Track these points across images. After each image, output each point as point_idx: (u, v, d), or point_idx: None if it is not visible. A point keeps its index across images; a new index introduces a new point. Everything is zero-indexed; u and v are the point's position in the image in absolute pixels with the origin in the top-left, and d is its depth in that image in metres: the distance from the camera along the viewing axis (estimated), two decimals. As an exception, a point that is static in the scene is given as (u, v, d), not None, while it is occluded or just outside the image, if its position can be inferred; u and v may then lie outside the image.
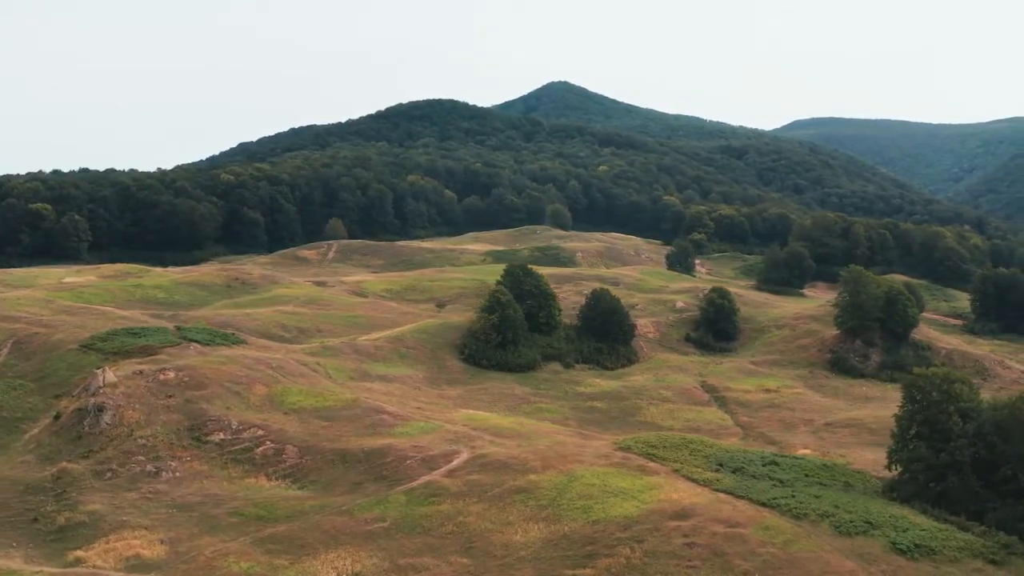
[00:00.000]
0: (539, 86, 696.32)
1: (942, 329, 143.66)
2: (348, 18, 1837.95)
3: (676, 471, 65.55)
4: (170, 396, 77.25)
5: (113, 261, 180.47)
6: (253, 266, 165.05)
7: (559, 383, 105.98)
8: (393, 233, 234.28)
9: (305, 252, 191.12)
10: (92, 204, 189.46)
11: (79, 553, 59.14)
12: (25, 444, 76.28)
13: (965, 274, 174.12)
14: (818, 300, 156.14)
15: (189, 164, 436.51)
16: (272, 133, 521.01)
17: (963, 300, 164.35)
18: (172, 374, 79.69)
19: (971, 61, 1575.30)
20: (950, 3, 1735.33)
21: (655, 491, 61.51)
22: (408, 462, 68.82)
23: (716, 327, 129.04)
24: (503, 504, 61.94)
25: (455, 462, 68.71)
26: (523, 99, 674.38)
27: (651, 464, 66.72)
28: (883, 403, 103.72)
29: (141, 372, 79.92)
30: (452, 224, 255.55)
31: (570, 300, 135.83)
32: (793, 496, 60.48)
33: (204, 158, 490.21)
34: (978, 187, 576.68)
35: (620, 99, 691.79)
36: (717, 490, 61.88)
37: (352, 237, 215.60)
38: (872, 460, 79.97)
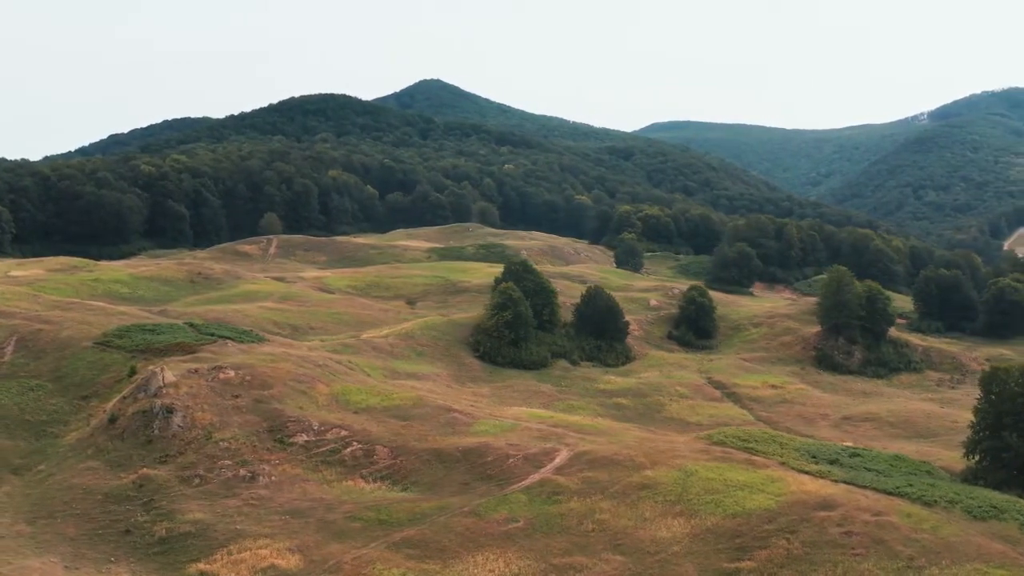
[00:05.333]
0: (412, 83, 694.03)
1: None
2: (207, 13, 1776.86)
3: (783, 464, 66.85)
4: (237, 396, 73.23)
5: (36, 255, 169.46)
6: (209, 261, 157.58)
7: (576, 380, 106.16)
8: (318, 228, 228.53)
9: (245, 247, 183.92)
10: (13, 195, 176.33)
11: (201, 566, 55.52)
12: (77, 449, 70.98)
13: (894, 275, 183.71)
14: (776, 299, 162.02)
15: (58, 155, 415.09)
16: (144, 125, 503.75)
17: (897, 300, 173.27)
18: (232, 373, 75.51)
19: (820, 71, 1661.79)
20: (798, 14, 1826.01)
21: (779, 484, 62.51)
22: (511, 461, 67.55)
23: (697, 325, 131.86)
24: (631, 501, 61.64)
25: (558, 460, 67.89)
26: (396, 96, 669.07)
27: (756, 458, 67.71)
28: (884, 398, 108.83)
29: (196, 371, 75.40)
30: (375, 220, 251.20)
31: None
32: (910, 485, 62.73)
33: (73, 149, 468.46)
34: (841, 191, 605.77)
35: (492, 98, 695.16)
36: (837, 481, 63.46)
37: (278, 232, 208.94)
38: (915, 451, 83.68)
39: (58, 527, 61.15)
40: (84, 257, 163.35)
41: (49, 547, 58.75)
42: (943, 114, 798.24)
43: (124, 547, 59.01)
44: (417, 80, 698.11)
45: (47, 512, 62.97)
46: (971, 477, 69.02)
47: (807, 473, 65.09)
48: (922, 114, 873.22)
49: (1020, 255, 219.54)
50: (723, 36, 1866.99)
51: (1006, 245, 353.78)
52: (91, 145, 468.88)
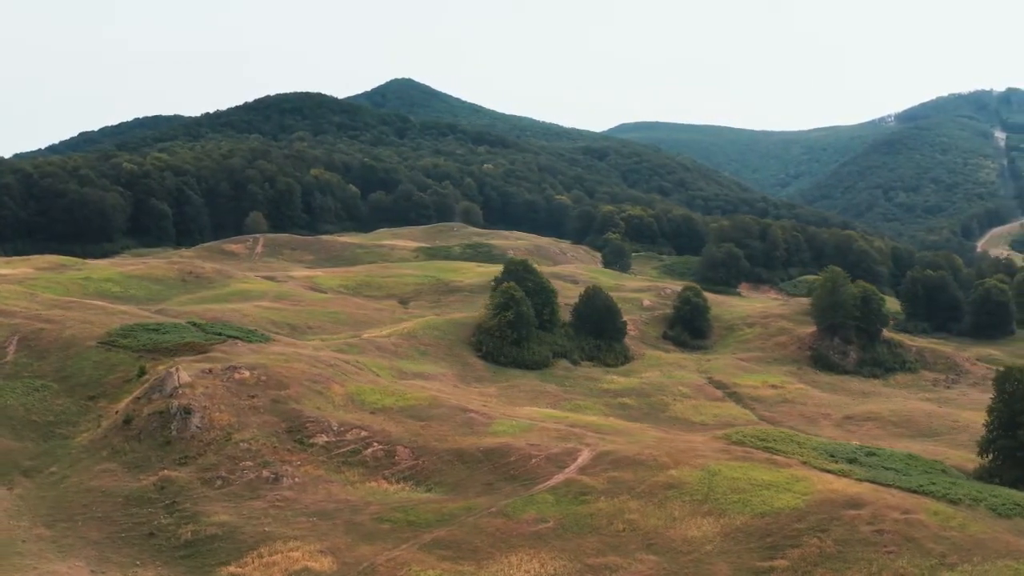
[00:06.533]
0: (383, 82, 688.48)
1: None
2: (172, 12, 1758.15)
3: (805, 463, 67.32)
4: (253, 396, 72.49)
5: (19, 253, 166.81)
6: (198, 260, 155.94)
7: (580, 380, 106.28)
8: (302, 227, 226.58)
9: (231, 246, 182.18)
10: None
11: (232, 569, 54.98)
12: (90, 451, 69.94)
13: (878, 276, 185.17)
14: (764, 299, 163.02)
15: (28, 153, 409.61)
16: (115, 123, 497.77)
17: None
18: (247, 373, 74.72)
19: (786, 73, 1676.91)
20: (763, 16, 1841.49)
21: (804, 483, 62.91)
22: (534, 461, 67.48)
23: (692, 325, 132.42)
24: (658, 500, 61.78)
25: (580, 460, 67.90)
26: (368, 95, 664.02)
27: (777, 457, 68.15)
28: (883, 398, 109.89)
29: (211, 371, 74.52)
30: (357, 219, 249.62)
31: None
32: (933, 484, 63.43)
33: (44, 146, 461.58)
34: (811, 192, 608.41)
35: (463, 97, 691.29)
36: (860, 480, 64.00)
37: (263, 231, 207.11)
38: (922, 451, 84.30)
39: (79, 530, 60.20)
40: (68, 255, 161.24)
41: (72, 551, 57.85)
42: (910, 116, 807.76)
43: (149, 550, 58.23)
44: (388, 79, 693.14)
45: (66, 515, 61.98)
46: (986, 476, 69.89)
47: (829, 472, 65.60)
48: (889, 116, 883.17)
49: (1001, 256, 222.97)
50: (690, 37, 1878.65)
51: (979, 246, 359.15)
52: (62, 143, 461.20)
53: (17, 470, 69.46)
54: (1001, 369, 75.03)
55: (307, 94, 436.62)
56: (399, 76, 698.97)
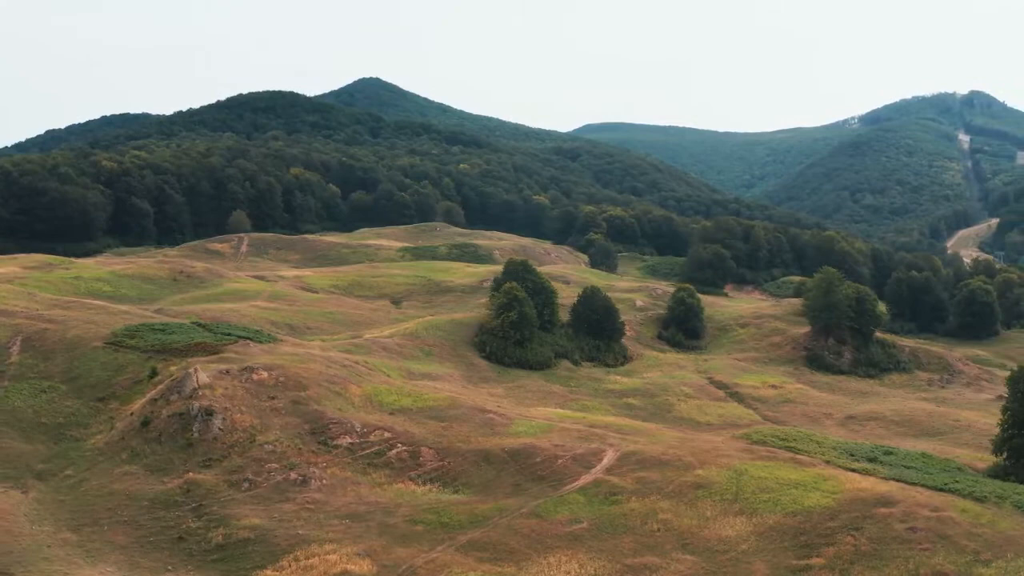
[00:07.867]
0: (350, 81, 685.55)
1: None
2: (136, 8, 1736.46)
3: (828, 462, 67.94)
4: (273, 398, 71.66)
5: (0, 252, 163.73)
6: (185, 259, 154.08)
7: (584, 381, 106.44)
8: (283, 227, 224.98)
9: (216, 245, 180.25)
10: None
11: (268, 573, 54.17)
12: (107, 453, 68.73)
13: (859, 276, 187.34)
14: (752, 300, 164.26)
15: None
16: (82, 120, 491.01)
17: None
18: (265, 374, 73.84)
19: (749, 75, 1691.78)
20: (721, 18, 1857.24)
21: (831, 482, 63.41)
22: (560, 461, 67.41)
23: (686, 325, 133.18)
24: (689, 500, 61.97)
25: (606, 460, 67.96)
26: (336, 94, 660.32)
27: (800, 457, 68.67)
28: (882, 398, 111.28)
29: (228, 372, 73.59)
30: (337, 219, 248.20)
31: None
32: (956, 482, 64.27)
33: (10, 144, 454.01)
34: (777, 194, 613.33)
35: (431, 97, 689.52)
36: (886, 478, 64.69)
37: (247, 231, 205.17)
38: (927, 450, 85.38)
39: (106, 535, 59.12)
40: (51, 254, 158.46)
41: (100, 556, 56.81)
42: (874, 118, 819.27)
43: (179, 555, 57.29)
44: (354, 79, 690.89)
45: (91, 519, 60.84)
46: (1001, 474, 70.93)
47: (854, 471, 66.19)
48: (853, 118, 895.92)
49: (979, 258, 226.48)
50: (654, 39, 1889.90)
51: (949, 248, 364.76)
52: (28, 140, 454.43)
53: (30, 473, 68.11)
54: (1014, 369, 76.17)
55: (279, 93, 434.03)
56: (366, 75, 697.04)
